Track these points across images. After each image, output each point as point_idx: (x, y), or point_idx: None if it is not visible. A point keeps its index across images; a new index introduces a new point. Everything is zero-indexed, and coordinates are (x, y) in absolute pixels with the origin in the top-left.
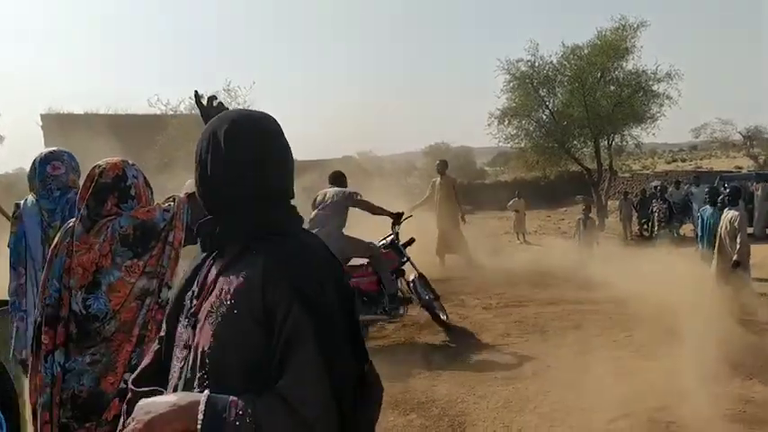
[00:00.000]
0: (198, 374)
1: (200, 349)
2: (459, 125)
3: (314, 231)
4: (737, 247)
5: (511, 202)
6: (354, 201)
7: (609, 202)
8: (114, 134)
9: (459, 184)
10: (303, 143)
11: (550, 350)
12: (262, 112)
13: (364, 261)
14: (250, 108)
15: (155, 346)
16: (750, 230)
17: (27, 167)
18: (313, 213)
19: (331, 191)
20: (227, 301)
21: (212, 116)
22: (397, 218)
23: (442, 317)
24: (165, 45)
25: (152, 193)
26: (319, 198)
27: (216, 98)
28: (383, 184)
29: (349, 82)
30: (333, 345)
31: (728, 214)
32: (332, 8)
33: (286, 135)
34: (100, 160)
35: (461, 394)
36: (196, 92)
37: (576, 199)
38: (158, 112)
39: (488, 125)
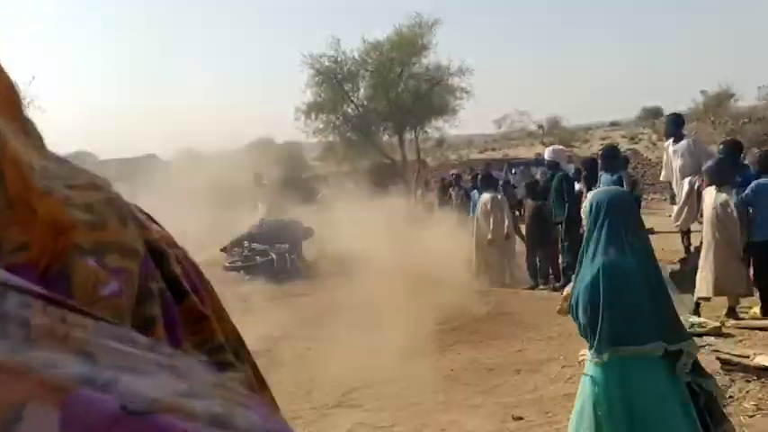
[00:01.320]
0: None
1: None
2: (283, 121)
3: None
4: (491, 226)
5: (319, 196)
6: None
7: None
8: None
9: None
10: (98, 140)
11: (318, 334)
12: None
13: None
14: (30, 104)
15: None
16: None
17: None
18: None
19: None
20: None
21: None
22: None
23: None
24: None
25: None
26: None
27: None
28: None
29: (149, 81)
30: None
31: (482, 197)
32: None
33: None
34: None
35: None
36: None
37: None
38: None
39: (296, 119)
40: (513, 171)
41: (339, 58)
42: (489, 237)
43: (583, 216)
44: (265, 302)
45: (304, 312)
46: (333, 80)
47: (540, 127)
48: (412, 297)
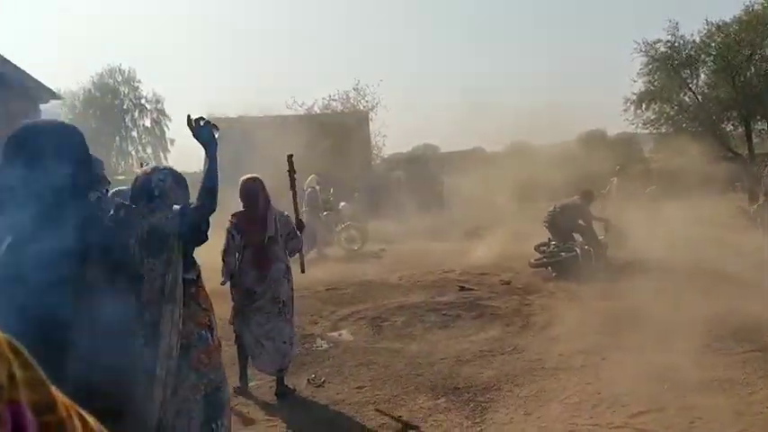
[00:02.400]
0: None
1: None
2: (610, 111)
3: None
4: None
5: (648, 190)
6: None
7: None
8: (261, 135)
9: None
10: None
11: (616, 343)
12: None
13: None
14: (377, 104)
15: None
16: None
17: (192, 169)
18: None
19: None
20: None
21: (200, 134)
22: None
23: None
24: (295, 47)
25: (188, 194)
26: None
27: (203, 118)
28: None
29: (480, 76)
30: None
31: None
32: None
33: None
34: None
35: (501, 382)
36: (188, 115)
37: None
38: (295, 113)
39: (624, 110)
40: None
41: (677, 43)
42: None
43: None
44: (566, 302)
45: (605, 318)
46: (668, 67)
47: None
48: (729, 313)
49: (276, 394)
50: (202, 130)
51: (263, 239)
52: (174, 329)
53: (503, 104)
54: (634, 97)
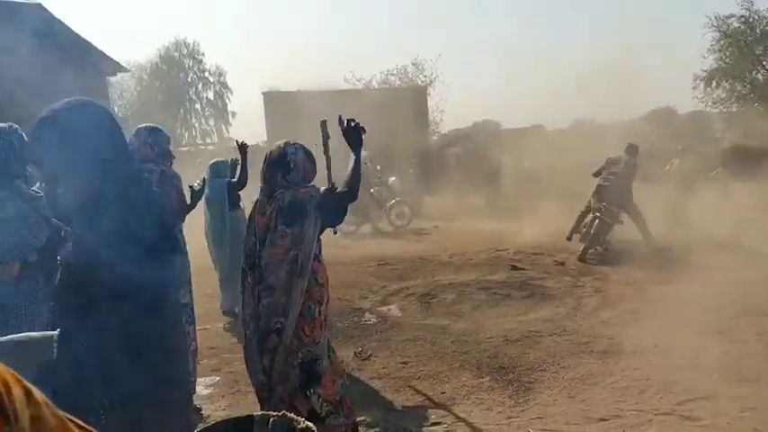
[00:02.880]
0: None
1: None
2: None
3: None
4: None
5: (713, 173)
6: None
7: None
8: (318, 110)
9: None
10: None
11: (669, 330)
12: None
13: None
14: (435, 79)
15: None
16: None
17: (254, 141)
18: None
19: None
20: None
21: (350, 134)
22: None
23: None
24: (355, 23)
25: (315, 168)
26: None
27: (353, 120)
28: None
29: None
30: None
31: None
32: None
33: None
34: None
35: (547, 363)
36: (340, 116)
37: None
38: (352, 87)
39: (693, 88)
40: None
41: (751, 19)
42: None
43: None
44: (621, 286)
45: (659, 303)
46: (741, 43)
47: None
48: None
49: None
50: (352, 131)
51: None
52: (301, 301)
53: (565, 75)
54: (704, 74)
